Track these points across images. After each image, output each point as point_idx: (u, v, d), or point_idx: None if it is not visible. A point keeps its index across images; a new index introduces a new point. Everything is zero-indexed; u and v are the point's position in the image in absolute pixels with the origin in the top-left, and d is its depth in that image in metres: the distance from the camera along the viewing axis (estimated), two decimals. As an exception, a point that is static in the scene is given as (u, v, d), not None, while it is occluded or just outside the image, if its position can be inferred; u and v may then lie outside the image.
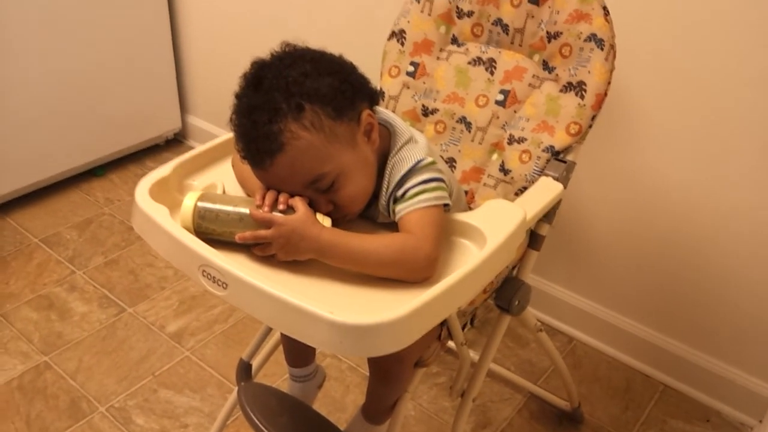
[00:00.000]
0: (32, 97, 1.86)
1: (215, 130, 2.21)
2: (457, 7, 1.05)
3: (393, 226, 0.82)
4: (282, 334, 1.11)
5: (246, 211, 0.78)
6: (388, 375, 0.98)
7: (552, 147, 0.96)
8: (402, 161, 0.83)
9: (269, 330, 1.16)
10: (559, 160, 0.95)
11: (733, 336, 1.37)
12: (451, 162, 1.06)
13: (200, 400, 1.41)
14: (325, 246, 0.76)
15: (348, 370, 1.49)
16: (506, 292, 1.00)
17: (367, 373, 1.19)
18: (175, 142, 2.32)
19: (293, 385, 1.16)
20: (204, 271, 0.75)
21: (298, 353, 1.13)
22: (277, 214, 0.77)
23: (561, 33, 0.96)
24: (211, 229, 0.79)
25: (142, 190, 0.84)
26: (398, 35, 1.08)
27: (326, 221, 0.78)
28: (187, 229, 0.79)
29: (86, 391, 1.42)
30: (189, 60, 2.18)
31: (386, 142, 0.86)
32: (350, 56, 0.85)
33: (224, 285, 0.73)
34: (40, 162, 1.95)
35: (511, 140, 1.00)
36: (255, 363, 1.19)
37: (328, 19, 1.74)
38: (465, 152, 1.06)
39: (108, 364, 1.48)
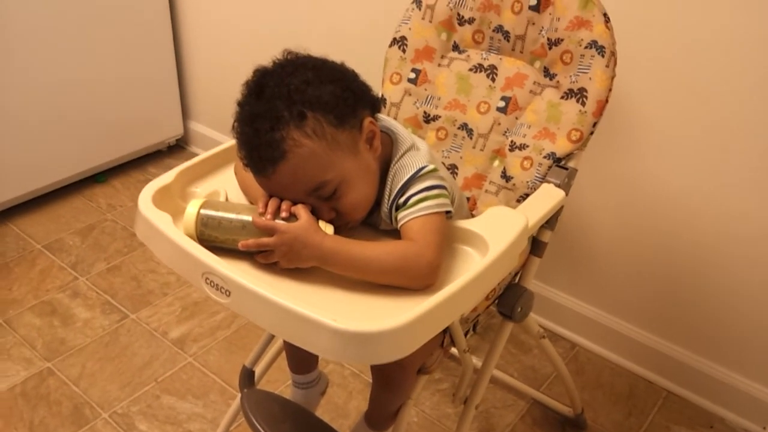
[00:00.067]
0: (35, 104, 1.87)
1: (217, 136, 2.21)
2: (458, 14, 1.06)
3: (395, 234, 0.82)
4: (285, 340, 1.11)
5: (249, 218, 0.78)
6: (390, 382, 0.98)
7: (553, 154, 0.96)
8: (404, 168, 0.83)
9: (272, 336, 1.16)
10: (560, 167, 0.96)
11: (737, 342, 1.37)
12: (452, 168, 1.07)
13: (203, 407, 1.41)
14: (328, 253, 0.76)
15: (351, 376, 1.49)
16: (509, 298, 1.00)
17: (370, 380, 1.19)
18: (178, 148, 2.33)
19: (296, 391, 1.16)
20: (207, 278, 0.75)
21: (301, 360, 1.13)
22: (279, 222, 0.77)
23: (562, 40, 0.97)
24: (214, 237, 0.79)
25: (145, 197, 0.85)
26: (399, 42, 1.09)
27: (329, 229, 0.79)
28: (190, 237, 0.79)
29: (89, 397, 1.42)
30: (191, 66, 2.19)
31: (388, 150, 0.86)
32: (352, 63, 0.85)
33: (227, 292, 0.74)
34: (43, 168, 1.96)
35: (513, 147, 1.00)
36: (258, 369, 1.19)
37: (330, 26, 1.74)
38: (467, 159, 1.06)
39: (111, 370, 1.48)
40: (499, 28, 1.03)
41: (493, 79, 1.04)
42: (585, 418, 1.40)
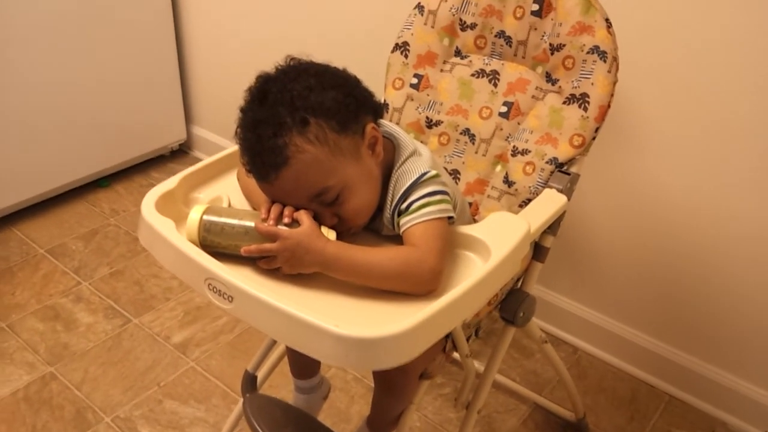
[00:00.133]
0: (38, 109, 1.87)
1: (220, 141, 2.22)
2: (461, 20, 1.06)
3: (398, 239, 0.82)
4: (287, 345, 1.11)
5: (251, 224, 0.78)
6: (393, 387, 0.98)
7: (556, 159, 0.96)
8: (406, 174, 0.83)
9: (274, 341, 1.17)
10: (562, 172, 0.96)
11: (739, 346, 1.37)
12: (455, 174, 1.07)
13: (205, 411, 1.41)
14: (330, 259, 0.76)
15: (353, 380, 1.49)
16: (511, 304, 1.00)
17: (372, 384, 1.19)
18: (181, 152, 2.34)
19: (298, 396, 1.16)
20: (210, 284, 0.75)
21: (303, 365, 1.13)
22: (282, 228, 0.77)
23: (564, 45, 0.97)
24: (216, 242, 0.79)
25: (148, 203, 0.85)
26: (402, 47, 1.09)
27: (331, 234, 0.79)
28: (193, 242, 0.79)
29: (92, 402, 1.42)
30: (194, 71, 2.20)
31: (390, 155, 0.86)
32: (354, 68, 0.85)
33: (230, 298, 0.74)
34: (46, 173, 1.96)
35: (515, 152, 1.00)
36: (260, 374, 1.19)
37: (332, 32, 1.75)
38: (469, 164, 1.06)
39: (113, 375, 1.49)
40: (501, 34, 1.03)
41: (496, 85, 1.05)
42: (587, 423, 1.39)
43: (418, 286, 0.77)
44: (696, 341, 1.42)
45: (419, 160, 0.85)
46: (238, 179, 0.92)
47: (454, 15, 1.06)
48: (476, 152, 1.05)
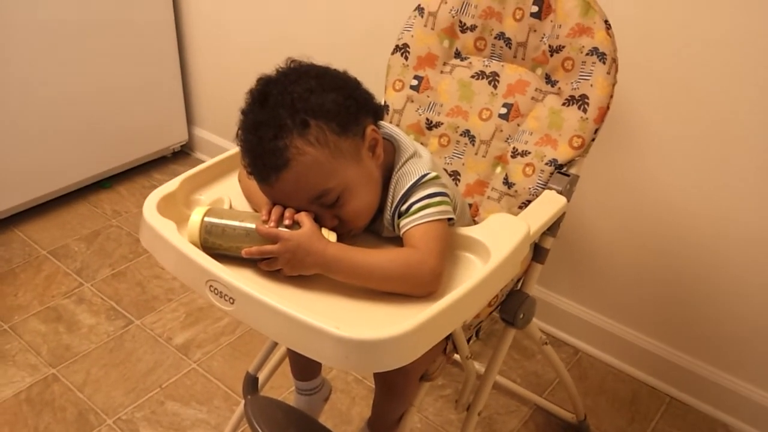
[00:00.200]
0: (40, 110, 1.88)
1: (222, 142, 2.22)
2: (460, 22, 1.06)
3: (398, 241, 0.83)
4: (288, 347, 1.11)
5: (252, 226, 0.79)
6: (393, 389, 0.98)
7: (555, 160, 0.96)
8: (406, 176, 0.84)
9: (275, 343, 1.17)
10: (562, 174, 0.96)
11: (739, 347, 1.37)
12: (455, 175, 1.07)
13: (207, 413, 1.41)
14: (331, 261, 0.76)
15: (354, 382, 1.49)
16: (511, 305, 1.01)
17: (374, 386, 1.19)
18: (182, 154, 2.34)
19: (299, 398, 1.17)
20: (211, 286, 0.76)
21: (305, 367, 1.14)
22: (282, 230, 0.77)
23: (563, 47, 0.97)
24: (217, 244, 0.80)
25: (150, 204, 0.85)
26: (402, 49, 1.10)
27: (331, 236, 0.79)
28: (194, 244, 0.79)
29: (94, 403, 1.42)
30: (195, 73, 2.20)
31: (390, 157, 0.87)
32: (355, 70, 0.86)
33: (231, 300, 0.74)
34: (48, 174, 1.97)
35: (515, 153, 1.01)
36: (261, 376, 1.20)
37: (334, 34, 1.75)
38: (469, 165, 1.06)
39: (115, 376, 1.49)
40: (501, 35, 1.04)
41: (495, 86, 1.05)
42: (588, 425, 1.39)
43: (418, 288, 0.77)
44: (697, 342, 1.42)
45: (419, 161, 0.86)
46: (239, 181, 0.92)
47: (453, 17, 1.06)
48: (476, 154, 1.05)
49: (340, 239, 0.79)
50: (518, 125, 1.02)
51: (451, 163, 1.08)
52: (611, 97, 0.95)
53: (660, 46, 1.24)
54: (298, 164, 0.77)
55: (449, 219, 0.82)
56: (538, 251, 1.01)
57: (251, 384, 1.19)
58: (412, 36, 1.09)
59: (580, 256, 1.52)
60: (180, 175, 0.91)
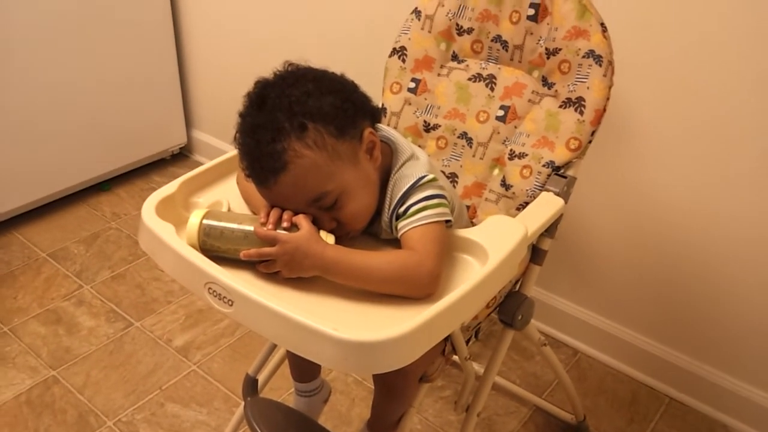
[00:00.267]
0: (39, 113, 1.88)
1: (220, 144, 2.22)
2: (457, 24, 1.07)
3: (396, 243, 0.83)
4: (287, 349, 1.12)
5: (250, 228, 0.79)
6: (392, 390, 0.98)
7: (552, 162, 0.97)
8: (404, 178, 0.84)
9: (275, 345, 1.17)
10: (559, 175, 0.96)
11: (739, 348, 1.37)
12: (453, 177, 1.07)
13: (207, 414, 1.41)
14: (329, 263, 0.77)
15: (354, 383, 1.49)
16: (509, 306, 1.01)
17: (373, 387, 1.20)
18: (181, 156, 2.34)
19: (299, 399, 1.17)
20: (210, 288, 0.76)
21: (304, 368, 1.14)
22: (281, 232, 0.78)
23: (560, 49, 0.97)
24: (216, 247, 0.80)
25: (149, 207, 0.86)
26: (399, 52, 1.10)
27: (330, 238, 0.79)
28: (193, 247, 0.80)
29: (94, 405, 1.43)
30: (194, 75, 2.21)
31: (388, 159, 0.87)
32: (353, 71, 0.86)
33: (230, 302, 0.74)
34: (48, 177, 1.97)
35: (512, 155, 1.01)
36: (261, 377, 1.20)
37: (332, 37, 1.76)
38: (466, 167, 1.07)
39: (115, 379, 1.49)
40: (498, 38, 1.04)
41: (492, 89, 1.05)
42: (587, 425, 1.40)
43: (416, 290, 0.77)
44: (696, 343, 1.43)
45: (417, 164, 0.86)
46: (238, 183, 0.93)
47: (450, 20, 1.07)
48: (474, 156, 1.06)
49: (338, 241, 0.80)
50: (515, 127, 1.03)
51: (449, 165, 1.08)
52: (608, 99, 0.95)
53: (658, 46, 1.25)
54: (296, 167, 0.77)
55: (447, 221, 0.82)
56: (536, 253, 1.02)
57: (251, 386, 1.20)
58: (410, 39, 1.09)
59: (579, 257, 1.53)
60: (179, 177, 0.92)
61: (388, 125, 1.08)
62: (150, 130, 2.19)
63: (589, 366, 1.56)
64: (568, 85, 0.97)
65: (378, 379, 1.01)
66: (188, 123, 2.30)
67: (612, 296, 1.51)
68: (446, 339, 0.95)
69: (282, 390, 1.43)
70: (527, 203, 0.97)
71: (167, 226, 0.82)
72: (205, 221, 0.80)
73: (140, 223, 0.85)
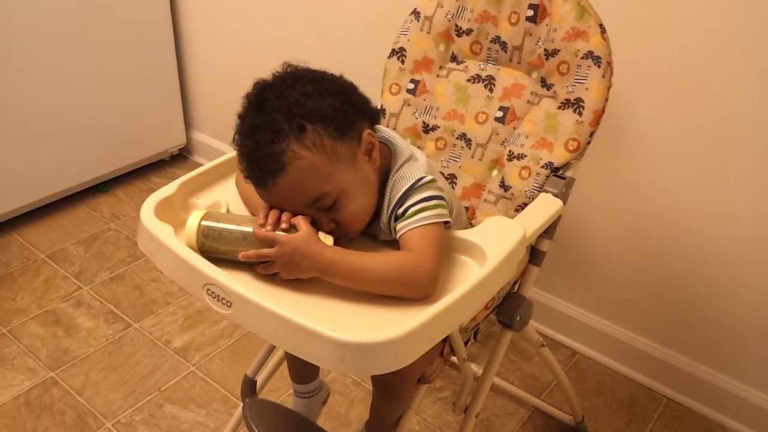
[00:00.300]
0: (38, 114, 1.88)
1: (220, 145, 2.23)
2: (456, 26, 1.07)
3: (395, 244, 0.83)
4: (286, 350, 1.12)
5: (249, 229, 0.79)
6: (391, 392, 0.98)
7: (551, 163, 0.97)
8: (402, 179, 0.84)
9: (273, 346, 1.17)
10: (558, 177, 0.96)
11: (737, 348, 1.37)
12: (451, 178, 1.07)
13: (206, 415, 1.41)
14: (328, 264, 0.77)
15: (352, 384, 1.49)
16: (508, 307, 1.01)
17: (372, 388, 1.20)
18: (180, 157, 2.34)
19: (297, 401, 1.17)
20: (208, 289, 0.76)
21: (303, 370, 1.14)
22: (279, 233, 0.78)
23: (558, 50, 0.98)
24: (214, 248, 0.80)
25: (147, 208, 0.85)
26: (398, 53, 1.10)
27: (328, 240, 0.79)
28: (192, 248, 0.80)
29: (92, 407, 1.43)
30: (193, 76, 2.21)
31: (387, 161, 0.87)
32: (352, 72, 0.86)
33: (228, 303, 0.74)
34: (46, 178, 1.97)
35: (511, 156, 1.01)
36: (260, 379, 1.20)
37: (331, 37, 1.76)
38: (465, 168, 1.07)
39: (114, 380, 1.49)
40: (497, 39, 1.04)
41: (491, 90, 1.05)
42: (586, 426, 1.40)
43: (414, 291, 0.77)
44: (694, 344, 1.43)
45: (415, 165, 0.86)
46: (237, 185, 0.93)
47: (449, 21, 1.07)
48: (472, 157, 1.06)
49: (337, 243, 0.80)
50: (514, 128, 1.03)
51: (448, 167, 1.08)
52: (606, 100, 0.95)
53: (658, 46, 1.25)
54: (294, 168, 0.77)
55: (446, 222, 0.82)
56: (534, 254, 1.02)
57: (249, 387, 1.20)
58: (409, 40, 1.09)
59: (577, 258, 1.53)
60: (178, 178, 0.92)
61: (387, 126, 1.08)
62: (149, 130, 2.19)
63: (587, 367, 1.56)
64: (567, 86, 0.97)
65: (376, 380, 1.01)
66: (187, 124, 2.30)
67: (610, 297, 1.51)
68: (445, 340, 0.95)
69: (281, 391, 1.43)
70: (526, 204, 0.97)
71: (166, 228, 0.82)
72: (203, 222, 0.80)
73: (139, 225, 0.85)
